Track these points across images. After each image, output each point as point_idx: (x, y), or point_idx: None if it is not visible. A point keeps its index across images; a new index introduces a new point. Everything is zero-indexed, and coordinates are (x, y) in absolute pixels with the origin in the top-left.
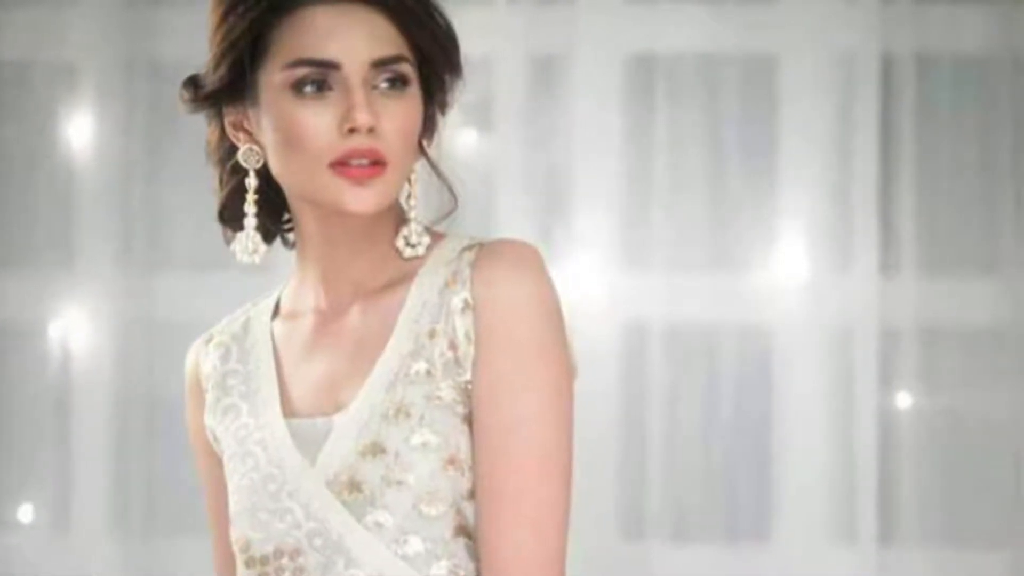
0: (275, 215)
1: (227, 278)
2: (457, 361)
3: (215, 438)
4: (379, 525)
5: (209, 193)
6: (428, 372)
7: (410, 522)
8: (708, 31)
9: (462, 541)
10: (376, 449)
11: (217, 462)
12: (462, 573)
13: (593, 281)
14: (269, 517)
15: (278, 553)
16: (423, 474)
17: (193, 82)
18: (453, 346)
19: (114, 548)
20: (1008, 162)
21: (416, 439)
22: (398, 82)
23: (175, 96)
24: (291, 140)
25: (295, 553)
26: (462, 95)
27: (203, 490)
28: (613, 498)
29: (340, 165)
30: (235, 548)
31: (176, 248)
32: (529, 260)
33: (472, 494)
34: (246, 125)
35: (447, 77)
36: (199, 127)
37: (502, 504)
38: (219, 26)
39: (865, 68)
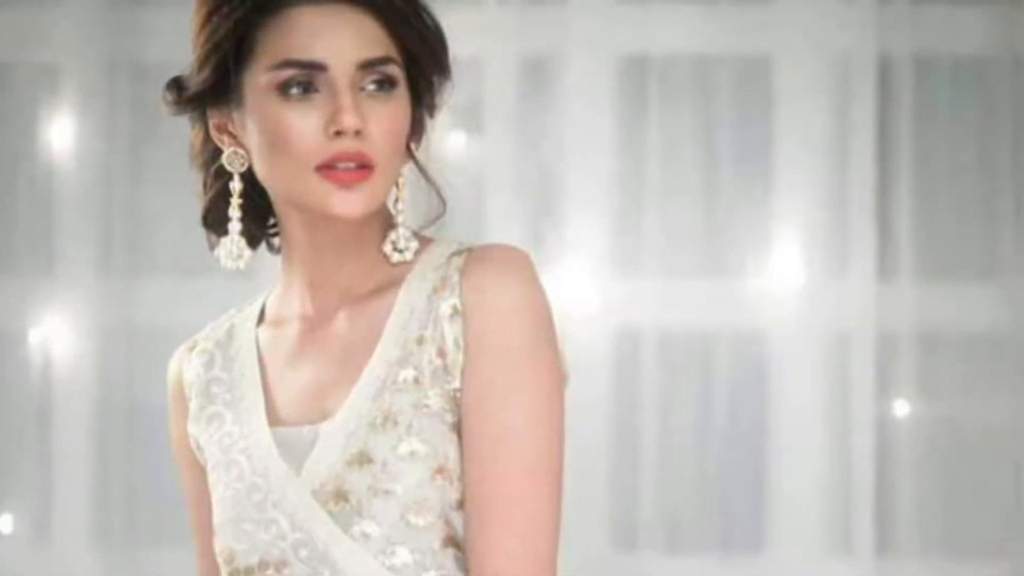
0: (260, 219)
1: (211, 284)
2: (446, 368)
3: (199, 447)
4: (366, 535)
5: (193, 197)
6: (416, 380)
7: (397, 532)
8: (702, 32)
9: (451, 552)
10: (363, 458)
11: (201, 471)
12: None
13: (585, 286)
14: (254, 528)
15: (263, 564)
16: (411, 484)
17: (177, 84)
18: (442, 353)
19: (95, 559)
20: (1007, 165)
21: (404, 448)
22: (385, 84)
23: (158, 98)
24: (276, 143)
25: (280, 564)
26: (451, 97)
27: (186, 500)
28: (605, 507)
29: (326, 168)
30: (219, 559)
31: (159, 253)
32: (519, 265)
33: (461, 504)
34: (231, 128)
35: (435, 78)
36: (183, 130)
37: (491, 514)
38: (203, 27)
39: (862, 69)
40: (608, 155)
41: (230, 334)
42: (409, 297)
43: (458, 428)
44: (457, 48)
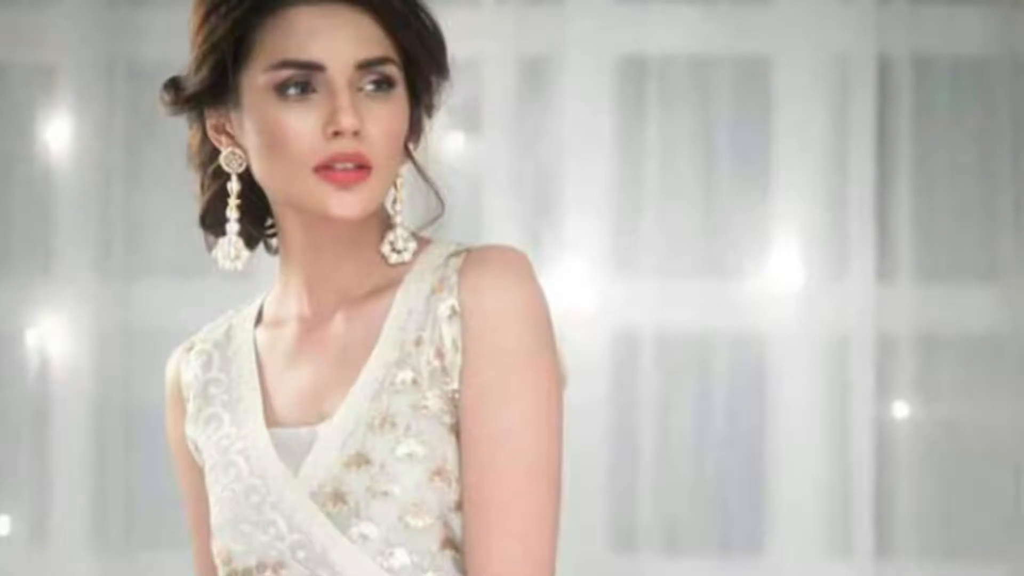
0: (258, 220)
1: (208, 285)
2: (444, 370)
3: (197, 448)
4: (364, 537)
5: (190, 198)
6: (414, 381)
7: (396, 534)
8: (700, 32)
9: (449, 553)
10: (361, 460)
11: (199, 473)
12: None
13: (583, 288)
14: (252, 529)
15: (261, 566)
16: (409, 485)
17: (174, 84)
18: (440, 354)
19: (92, 561)
20: (1007, 166)
21: (402, 449)
22: (384, 84)
23: (156, 98)
24: (274, 143)
25: (278, 566)
26: (449, 97)
27: (184, 501)
28: (603, 510)
29: (325, 169)
30: (217, 561)
31: (156, 254)
32: (517, 266)
33: (459, 506)
34: (228, 128)
35: (433, 79)
36: (180, 130)
37: (489, 516)
38: (201, 27)
39: (861, 70)
40: (606, 156)
41: (228, 335)
42: (407, 298)
43: (457, 429)
44: (455, 48)
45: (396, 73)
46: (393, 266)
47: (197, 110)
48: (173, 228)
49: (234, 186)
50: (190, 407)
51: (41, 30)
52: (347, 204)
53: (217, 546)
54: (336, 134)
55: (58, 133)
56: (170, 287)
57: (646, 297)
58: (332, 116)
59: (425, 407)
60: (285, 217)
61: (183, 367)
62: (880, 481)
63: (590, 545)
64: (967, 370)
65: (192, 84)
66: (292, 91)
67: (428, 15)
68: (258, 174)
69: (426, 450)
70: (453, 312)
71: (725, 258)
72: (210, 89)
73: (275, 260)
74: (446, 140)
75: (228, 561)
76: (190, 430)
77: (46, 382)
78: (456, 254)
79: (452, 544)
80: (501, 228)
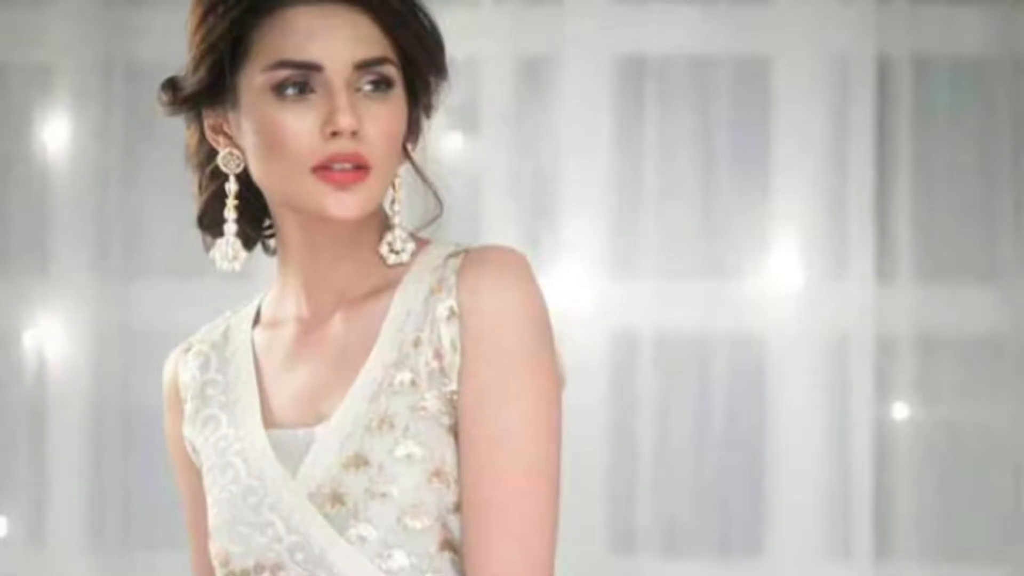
0: (256, 221)
1: (206, 286)
2: (442, 371)
3: (194, 449)
4: (362, 539)
5: (188, 198)
6: (412, 382)
7: (394, 536)
8: (699, 32)
9: (448, 555)
10: (359, 461)
11: (196, 474)
12: None
13: (582, 288)
14: (249, 530)
15: (259, 568)
16: (407, 487)
17: (172, 84)
18: (438, 355)
19: (90, 562)
20: (1007, 166)
21: (400, 451)
22: (382, 84)
23: (153, 98)
24: (272, 144)
25: (276, 567)
26: (447, 97)
27: (182, 503)
28: (602, 511)
29: (323, 169)
30: (215, 562)
31: (154, 255)
32: (516, 267)
33: (458, 507)
34: (226, 128)
35: (432, 79)
36: (178, 130)
37: (488, 517)
38: (199, 27)
39: (861, 70)
40: (605, 156)
41: (226, 336)
42: (405, 299)
43: (455, 431)
44: (453, 48)
45: (394, 73)
46: (391, 267)
47: (195, 110)
48: (171, 229)
49: (232, 187)
50: (188, 408)
51: (39, 30)
52: (345, 205)
53: (215, 547)
54: (334, 134)
55: (56, 133)
56: (168, 288)
57: (645, 298)
58: (330, 116)
59: (424, 408)
60: (283, 218)
61: (180, 368)
62: (880, 482)
63: (589, 546)
64: (967, 371)
65: (190, 84)
66: (290, 91)
67: (426, 15)
68: (256, 174)
69: (424, 451)
70: (452, 313)
71: (725, 258)
72: (208, 89)
73: (273, 261)
74: (444, 140)
75: (226, 562)
76: (188, 431)
77: (44, 383)
78: (455, 255)
79: (451, 545)
80: (500, 228)
